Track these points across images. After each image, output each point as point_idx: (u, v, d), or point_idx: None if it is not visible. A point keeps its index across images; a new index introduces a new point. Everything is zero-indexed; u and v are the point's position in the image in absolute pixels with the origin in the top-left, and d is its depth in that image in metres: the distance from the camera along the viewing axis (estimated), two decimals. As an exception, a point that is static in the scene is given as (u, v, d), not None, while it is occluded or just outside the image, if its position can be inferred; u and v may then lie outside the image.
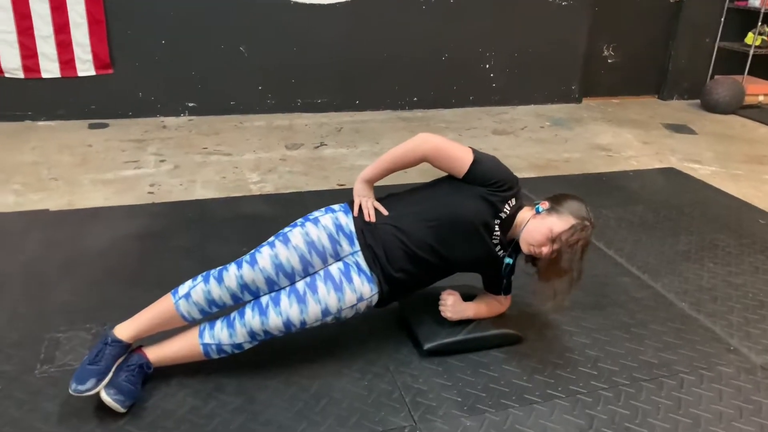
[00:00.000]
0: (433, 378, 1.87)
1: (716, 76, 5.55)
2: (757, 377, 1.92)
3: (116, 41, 4.27)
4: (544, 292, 1.79)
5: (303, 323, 1.75)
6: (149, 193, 3.21)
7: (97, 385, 1.61)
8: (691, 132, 4.73)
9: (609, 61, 5.59)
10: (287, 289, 1.76)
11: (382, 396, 1.79)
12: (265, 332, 1.74)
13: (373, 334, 2.05)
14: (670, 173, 3.76)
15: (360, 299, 1.79)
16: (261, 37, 4.50)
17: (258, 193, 3.25)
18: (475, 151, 1.79)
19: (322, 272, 1.78)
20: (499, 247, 1.87)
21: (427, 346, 1.94)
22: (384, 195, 1.92)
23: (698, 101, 5.56)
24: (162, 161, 3.67)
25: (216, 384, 1.79)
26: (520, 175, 1.85)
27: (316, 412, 1.71)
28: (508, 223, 1.83)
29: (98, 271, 2.37)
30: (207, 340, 1.74)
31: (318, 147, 4.05)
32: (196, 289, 1.74)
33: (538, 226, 1.77)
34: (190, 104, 4.57)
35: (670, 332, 2.13)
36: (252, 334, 1.73)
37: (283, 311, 1.72)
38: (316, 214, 1.85)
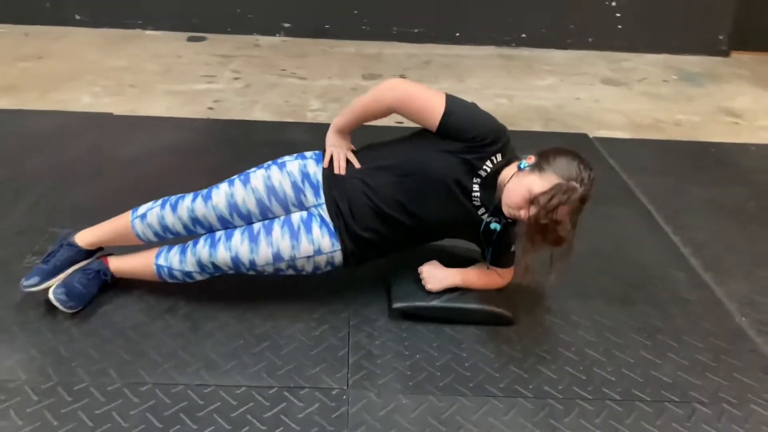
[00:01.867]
0: (392, 343, 1.68)
1: None
2: (800, 428, 1.47)
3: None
4: (519, 263, 1.51)
5: (252, 263, 1.65)
6: (209, 108, 3.23)
7: (40, 283, 1.65)
8: None
9: (780, 7, 4.56)
10: (243, 227, 1.69)
11: (328, 351, 1.64)
12: (214, 265, 1.66)
13: (353, 284, 1.88)
14: (809, 154, 3.01)
15: (318, 252, 1.64)
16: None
17: (311, 121, 3.14)
18: (448, 100, 1.54)
19: (282, 218, 1.68)
20: (483, 210, 1.59)
21: (396, 305, 1.75)
22: (365, 144, 1.74)
23: None
24: (236, 78, 3.67)
25: (170, 305, 1.76)
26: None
27: (250, 354, 1.61)
28: (492, 181, 1.55)
29: (121, 179, 2.43)
30: (161, 261, 1.72)
31: (396, 79, 3.80)
32: (152, 212, 1.72)
33: (517, 186, 1.49)
34: (286, 25, 4.51)
35: (708, 350, 1.71)
36: (200, 265, 1.67)
37: (233, 246, 1.65)
38: (286, 158, 1.74)
